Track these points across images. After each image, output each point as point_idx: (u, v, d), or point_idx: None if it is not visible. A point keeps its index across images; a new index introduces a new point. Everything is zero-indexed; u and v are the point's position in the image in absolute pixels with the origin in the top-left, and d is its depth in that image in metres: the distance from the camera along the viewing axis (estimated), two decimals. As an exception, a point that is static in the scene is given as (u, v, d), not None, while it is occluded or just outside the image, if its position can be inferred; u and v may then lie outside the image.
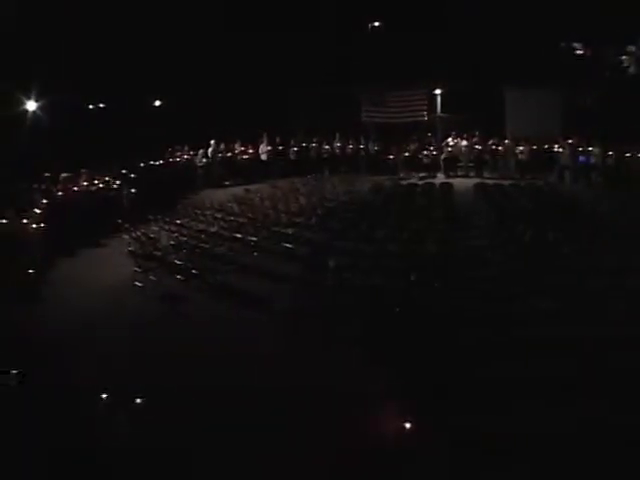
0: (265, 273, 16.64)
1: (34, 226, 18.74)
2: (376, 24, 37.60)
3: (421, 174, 31.62)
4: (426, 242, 16.99)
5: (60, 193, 22.46)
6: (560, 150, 29.40)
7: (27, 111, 26.32)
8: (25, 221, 18.78)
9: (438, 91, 34.28)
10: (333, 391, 9.85)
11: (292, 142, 34.07)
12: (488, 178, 29.85)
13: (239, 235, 19.11)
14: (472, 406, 9.20)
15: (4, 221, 17.99)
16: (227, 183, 31.46)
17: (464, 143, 31.83)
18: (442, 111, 34.83)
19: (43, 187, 22.03)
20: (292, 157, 33.83)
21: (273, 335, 12.65)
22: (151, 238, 18.56)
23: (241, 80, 32.89)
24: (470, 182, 28.52)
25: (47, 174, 22.95)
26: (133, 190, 24.93)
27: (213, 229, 20.25)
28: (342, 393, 9.77)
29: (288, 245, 18.73)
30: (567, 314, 12.24)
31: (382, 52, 33.75)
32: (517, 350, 10.88)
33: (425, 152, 32.63)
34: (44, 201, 20.83)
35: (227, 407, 9.34)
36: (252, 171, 32.23)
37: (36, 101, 26.43)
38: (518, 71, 30.78)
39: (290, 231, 19.72)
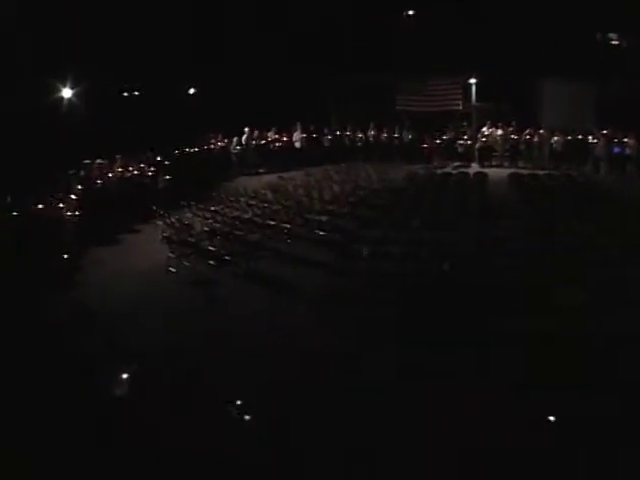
0: (298, 260, 16.73)
1: (70, 212, 18.96)
2: (411, 13, 37.39)
3: (455, 163, 31.49)
4: (459, 231, 16.93)
5: (95, 179, 22.66)
6: (595, 141, 29.13)
7: (62, 98, 26.46)
8: (61, 207, 19.00)
9: (473, 80, 33.98)
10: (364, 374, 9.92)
11: (326, 130, 34.12)
12: (522, 168, 29.62)
13: (273, 222, 19.11)
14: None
15: (40, 207, 18.19)
16: (261, 170, 31.54)
17: (499, 133, 31.60)
18: (477, 100, 34.55)
19: (79, 173, 22.23)
20: (326, 145, 33.86)
21: (305, 322, 12.70)
22: (185, 224, 18.60)
23: (276, 68, 32.85)
24: (504, 172, 28.29)
25: (83, 161, 23.15)
26: (168, 177, 25.08)
27: (247, 216, 20.25)
28: (372, 379, 9.82)
29: (321, 232, 18.76)
30: (597, 306, 12.15)
31: (417, 41, 33.55)
32: (545, 341, 10.85)
33: (460, 141, 32.51)
34: (79, 187, 21.04)
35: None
36: (286, 159, 32.25)
37: (71, 88, 26.55)
38: (554, 61, 30.47)
39: (323, 218, 19.69)
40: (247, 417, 8.30)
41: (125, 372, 9.01)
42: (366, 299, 13.24)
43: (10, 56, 22.95)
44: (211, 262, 16.02)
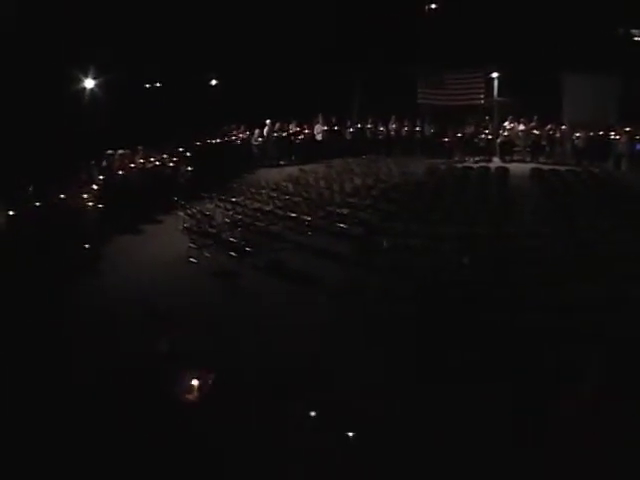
0: (318, 252, 16.76)
1: (91, 202, 19.07)
2: (433, 6, 37.30)
3: (476, 158, 31.42)
4: (480, 226, 16.90)
5: (117, 170, 22.78)
6: (617, 137, 28.96)
7: (85, 89, 26.59)
8: (83, 197, 19.12)
9: (495, 74, 33.82)
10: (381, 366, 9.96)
11: (348, 123, 34.12)
12: (544, 163, 29.50)
13: (293, 214, 19.17)
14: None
15: (62, 197, 18.31)
16: (282, 162, 31.61)
17: (521, 128, 31.48)
18: (499, 95, 34.41)
19: (101, 164, 22.35)
20: (347, 138, 33.86)
21: (325, 314, 12.73)
22: (206, 215, 18.68)
23: (298, 60, 32.84)
24: (526, 167, 28.17)
25: (105, 151, 23.27)
26: (189, 168, 25.16)
27: (268, 208, 20.32)
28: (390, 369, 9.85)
29: (342, 225, 18.79)
30: (617, 302, 12.11)
31: (439, 34, 33.46)
32: (567, 337, 10.84)
33: (481, 136, 32.43)
34: (101, 178, 21.17)
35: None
36: (307, 151, 32.28)
37: (94, 79, 26.67)
38: (576, 57, 30.29)
39: (344, 211, 19.72)
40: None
41: (195, 377, 8.92)
42: (386, 292, 13.25)
43: (33, 46, 23.05)
44: (232, 253, 16.09)
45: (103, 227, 18.80)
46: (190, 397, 8.66)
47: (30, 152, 20.80)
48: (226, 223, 18.44)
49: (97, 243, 17.97)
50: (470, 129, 32.44)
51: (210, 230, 17.32)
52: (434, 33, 33.78)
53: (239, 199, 21.63)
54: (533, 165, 28.76)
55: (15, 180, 18.05)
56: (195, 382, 8.83)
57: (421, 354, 10.53)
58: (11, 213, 16.44)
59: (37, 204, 17.47)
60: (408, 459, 7.84)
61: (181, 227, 18.38)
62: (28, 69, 22.62)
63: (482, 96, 34.15)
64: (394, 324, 11.71)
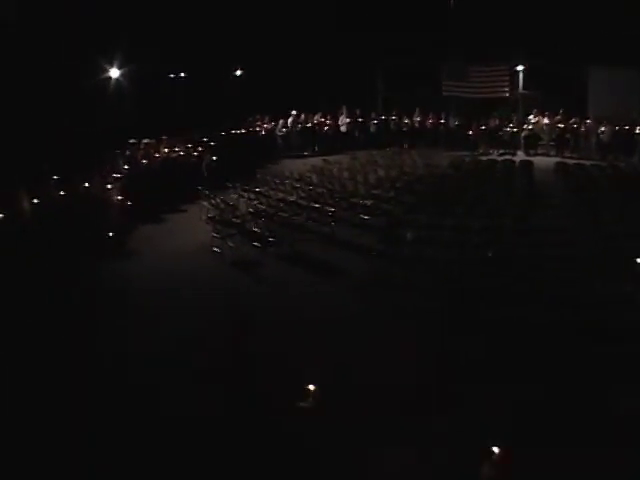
0: (342, 243, 16.77)
1: (116, 191, 19.19)
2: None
3: (501, 151, 31.31)
4: (504, 219, 16.83)
5: (141, 159, 22.87)
6: (642, 132, 28.79)
7: (110, 78, 26.68)
8: (107, 186, 19.23)
9: (520, 67, 33.67)
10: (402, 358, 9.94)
11: (372, 114, 34.10)
12: (569, 158, 29.33)
13: (317, 205, 19.13)
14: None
15: (87, 186, 18.42)
16: (306, 153, 31.63)
17: (546, 121, 31.34)
18: (524, 88, 34.25)
19: (125, 153, 22.44)
20: (371, 129, 33.86)
21: (347, 305, 12.73)
22: (230, 205, 18.68)
23: (323, 52, 32.79)
24: (550, 161, 28.06)
25: (129, 141, 23.36)
26: (214, 158, 25.21)
27: (292, 198, 20.31)
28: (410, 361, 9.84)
29: (365, 217, 18.75)
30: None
31: (465, 26, 33.29)
32: (588, 333, 10.81)
33: (506, 129, 32.29)
34: (126, 167, 21.26)
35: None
36: (331, 142, 32.30)
37: (119, 69, 26.75)
38: (602, 50, 30.06)
39: (368, 203, 19.67)
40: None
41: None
42: (409, 285, 13.24)
43: (61, 35, 23.13)
44: (255, 243, 16.11)
45: (128, 216, 18.88)
46: (304, 404, 8.12)
47: (55, 142, 20.89)
48: (250, 213, 18.47)
49: (121, 232, 18.05)
50: (494, 122, 32.31)
51: (234, 220, 17.32)
52: (458, 25, 33.58)
53: (263, 189, 21.62)
54: (558, 159, 28.59)
55: (40, 170, 18.19)
56: (311, 387, 8.23)
57: (444, 348, 10.48)
58: (35, 201, 16.58)
59: (61, 193, 17.62)
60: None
61: (205, 217, 18.41)
62: (54, 58, 22.70)
63: (507, 89, 34.00)
64: (418, 317, 11.69)
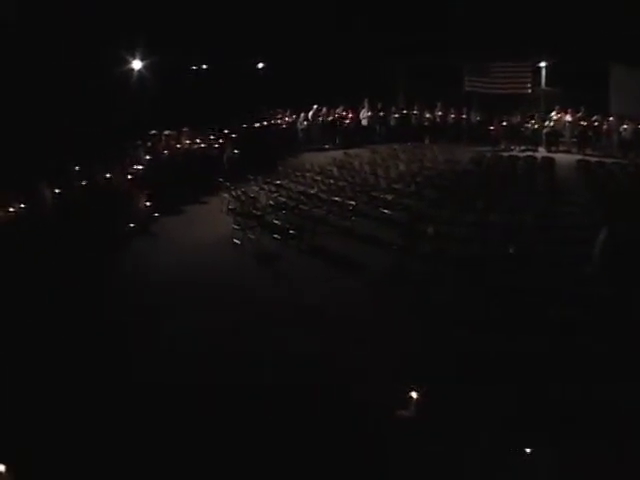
0: (362, 237, 16.75)
1: (137, 182, 19.27)
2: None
3: (522, 147, 31.18)
4: (525, 215, 16.75)
5: (162, 151, 22.93)
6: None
7: (132, 70, 26.74)
8: (129, 177, 19.31)
9: (543, 64, 33.52)
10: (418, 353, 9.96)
11: (393, 109, 34.03)
12: (590, 155, 29.17)
13: (338, 198, 19.13)
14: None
15: (108, 176, 18.49)
16: (327, 146, 31.61)
17: (567, 118, 31.17)
18: (546, 85, 34.09)
19: (147, 144, 22.50)
20: (393, 123, 33.76)
21: (366, 299, 12.74)
22: (251, 197, 18.71)
23: (345, 46, 32.74)
24: (572, 158, 27.93)
25: (150, 132, 23.42)
26: (235, 150, 25.25)
27: (312, 191, 20.31)
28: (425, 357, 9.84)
29: (386, 211, 18.73)
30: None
31: (488, 22, 33.14)
32: (605, 331, 10.75)
33: (527, 125, 32.16)
34: (147, 158, 21.33)
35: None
36: (352, 136, 32.27)
37: (141, 60, 26.80)
38: (624, 48, 29.85)
39: (389, 197, 19.65)
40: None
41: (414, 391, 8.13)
42: (430, 280, 13.22)
43: (81, 26, 23.19)
44: (275, 236, 16.14)
45: (149, 207, 18.94)
46: (405, 412, 8.01)
47: (77, 132, 20.95)
48: (270, 205, 18.49)
49: (142, 222, 18.13)
50: (516, 118, 32.18)
51: (254, 212, 17.36)
52: (482, 20, 33.43)
53: (284, 182, 21.66)
54: (579, 157, 28.44)
55: (62, 160, 18.26)
56: (414, 395, 8.09)
57: (463, 346, 10.45)
58: (57, 191, 16.66)
59: (83, 183, 17.70)
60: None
61: (225, 209, 18.44)
62: (75, 50, 22.74)
63: (529, 85, 33.85)
64: (439, 312, 11.68)
